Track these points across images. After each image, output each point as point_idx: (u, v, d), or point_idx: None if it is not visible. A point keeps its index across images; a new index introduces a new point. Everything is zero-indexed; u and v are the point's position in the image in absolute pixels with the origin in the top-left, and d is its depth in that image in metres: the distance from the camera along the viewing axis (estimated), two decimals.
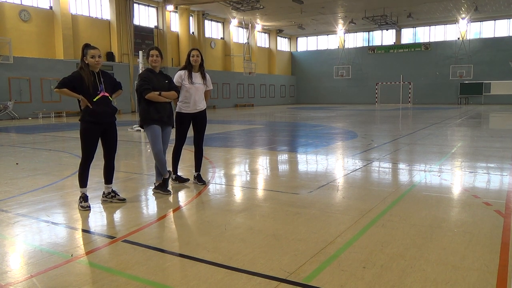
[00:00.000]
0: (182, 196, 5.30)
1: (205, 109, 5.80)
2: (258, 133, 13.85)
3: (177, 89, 5.41)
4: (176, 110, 5.68)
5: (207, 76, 5.77)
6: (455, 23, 38.91)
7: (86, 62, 4.47)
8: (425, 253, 3.22)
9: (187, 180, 5.80)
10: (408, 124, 17.04)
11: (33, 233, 3.85)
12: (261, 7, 30.64)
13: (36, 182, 6.01)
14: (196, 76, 5.63)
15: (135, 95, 5.22)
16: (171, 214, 4.46)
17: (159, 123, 5.17)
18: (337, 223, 3.97)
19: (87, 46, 4.51)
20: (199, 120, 5.75)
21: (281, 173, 6.88)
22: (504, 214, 4.21)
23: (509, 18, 37.68)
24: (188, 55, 5.59)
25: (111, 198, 4.83)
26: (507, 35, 37.97)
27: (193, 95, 5.58)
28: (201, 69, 5.68)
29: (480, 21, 38.56)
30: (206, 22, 36.45)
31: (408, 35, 42.80)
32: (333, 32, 44.95)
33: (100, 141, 4.68)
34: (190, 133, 5.81)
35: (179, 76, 5.58)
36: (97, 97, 4.48)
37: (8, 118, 22.17)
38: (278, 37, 46.41)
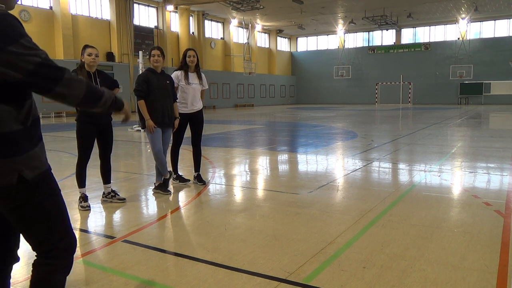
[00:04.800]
0: (182, 196, 5.30)
1: (201, 109, 5.81)
2: (258, 133, 13.84)
3: (176, 98, 5.44)
4: None
5: (203, 75, 5.78)
6: (455, 23, 38.88)
7: (83, 60, 4.49)
8: (425, 253, 3.22)
9: (187, 181, 5.80)
10: (408, 124, 17.04)
11: None
12: (261, 7, 30.61)
13: None
14: (193, 76, 5.63)
15: (134, 95, 5.22)
16: (171, 214, 4.47)
17: (161, 125, 5.16)
18: (337, 223, 3.97)
19: (86, 46, 4.54)
20: (196, 120, 5.76)
21: (281, 173, 6.88)
22: (504, 214, 4.21)
23: (509, 18, 37.66)
24: (184, 55, 5.59)
25: (111, 198, 4.83)
26: (507, 35, 37.96)
27: (189, 95, 5.59)
28: (197, 69, 5.68)
29: (480, 21, 38.55)
30: (206, 22, 36.44)
31: (408, 35, 42.78)
32: (333, 32, 44.92)
33: (96, 141, 4.69)
34: (188, 133, 5.81)
35: (175, 77, 5.56)
36: None
37: None
38: (278, 37, 46.39)
